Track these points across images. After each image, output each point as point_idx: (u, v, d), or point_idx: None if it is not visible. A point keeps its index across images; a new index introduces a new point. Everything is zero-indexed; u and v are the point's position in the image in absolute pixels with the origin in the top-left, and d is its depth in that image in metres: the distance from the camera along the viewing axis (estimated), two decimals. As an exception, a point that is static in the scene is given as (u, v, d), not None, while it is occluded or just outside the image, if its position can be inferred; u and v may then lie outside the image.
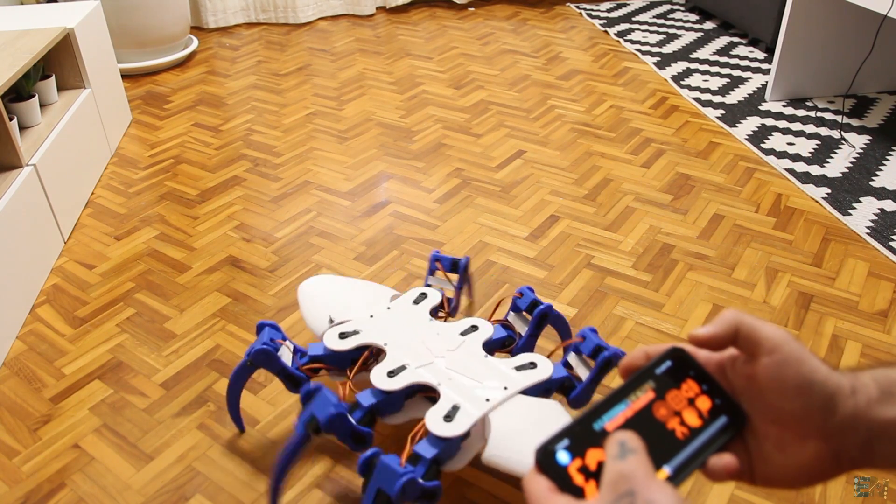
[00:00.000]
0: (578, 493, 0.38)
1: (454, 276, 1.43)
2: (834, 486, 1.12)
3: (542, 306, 1.18)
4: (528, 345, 1.19)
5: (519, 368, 1.07)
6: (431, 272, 1.38)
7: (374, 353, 1.16)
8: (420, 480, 0.93)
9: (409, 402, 1.09)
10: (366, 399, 1.05)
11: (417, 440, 0.99)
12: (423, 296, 1.23)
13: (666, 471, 0.40)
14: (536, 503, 0.38)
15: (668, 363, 0.45)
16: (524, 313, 1.23)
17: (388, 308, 1.20)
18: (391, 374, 1.06)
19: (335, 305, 1.24)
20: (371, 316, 1.19)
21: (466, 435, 1.00)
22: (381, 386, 1.04)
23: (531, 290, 1.25)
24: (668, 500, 0.35)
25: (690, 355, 0.46)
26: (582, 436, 0.40)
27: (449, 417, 0.98)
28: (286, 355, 1.14)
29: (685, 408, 0.43)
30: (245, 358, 1.12)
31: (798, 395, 0.42)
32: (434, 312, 1.21)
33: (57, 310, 1.54)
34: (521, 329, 1.22)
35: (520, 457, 0.95)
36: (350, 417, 1.00)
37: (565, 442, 0.40)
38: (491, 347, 1.15)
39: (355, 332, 1.14)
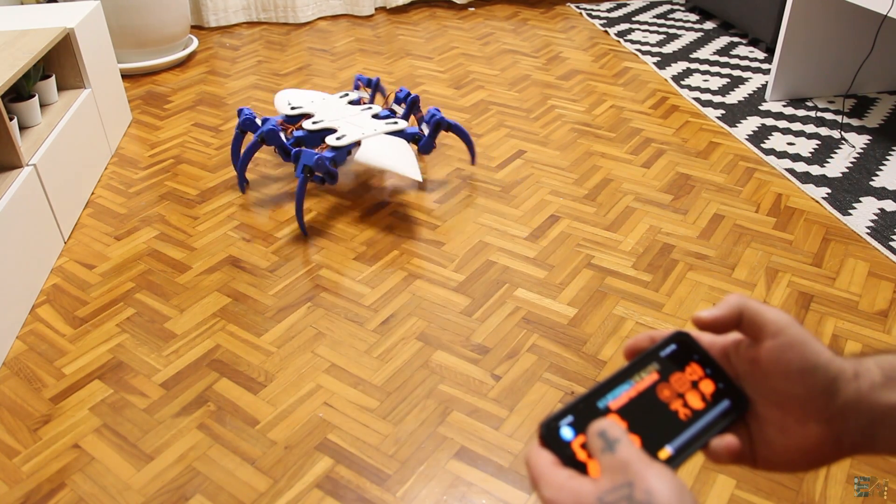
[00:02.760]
0: (581, 467, 0.39)
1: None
2: (834, 486, 1.12)
3: (412, 96, 1.96)
4: (405, 116, 1.97)
5: (387, 124, 1.84)
6: (356, 88, 2.12)
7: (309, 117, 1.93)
8: (325, 162, 1.69)
9: (348, 157, 1.87)
10: (328, 153, 1.73)
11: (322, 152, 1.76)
12: (346, 94, 2.03)
13: (668, 450, 0.41)
14: (540, 476, 0.39)
15: (672, 346, 0.46)
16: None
17: (324, 99, 2.00)
18: (335, 135, 1.82)
19: (298, 99, 2.03)
20: (311, 101, 1.99)
21: (349, 152, 1.80)
22: (307, 128, 1.87)
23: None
24: (666, 487, 0.35)
25: (695, 339, 0.46)
26: (585, 413, 0.41)
27: (339, 139, 1.77)
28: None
29: (688, 390, 0.44)
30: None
31: (801, 378, 0.41)
32: (355, 103, 2.00)
33: (57, 310, 1.54)
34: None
35: (373, 154, 1.74)
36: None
37: (569, 418, 0.41)
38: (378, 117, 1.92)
39: (300, 107, 1.94)
